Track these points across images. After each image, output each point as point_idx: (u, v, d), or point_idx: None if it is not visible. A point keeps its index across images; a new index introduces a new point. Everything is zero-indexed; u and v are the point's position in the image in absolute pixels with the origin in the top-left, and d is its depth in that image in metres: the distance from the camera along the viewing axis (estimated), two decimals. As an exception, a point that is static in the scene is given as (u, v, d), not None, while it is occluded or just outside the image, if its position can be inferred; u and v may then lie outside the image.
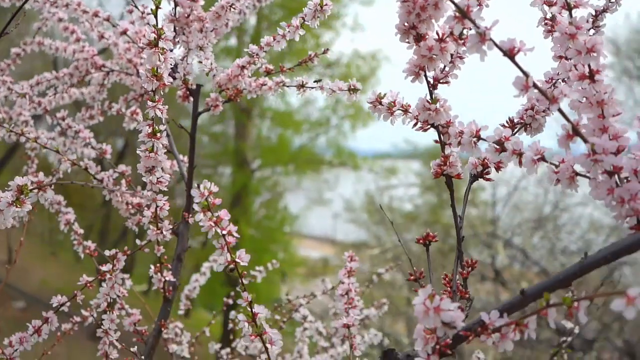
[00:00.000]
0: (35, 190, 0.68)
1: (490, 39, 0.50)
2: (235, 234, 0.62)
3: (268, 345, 0.64)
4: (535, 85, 0.50)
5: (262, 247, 10.01)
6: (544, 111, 0.67)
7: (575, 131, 0.51)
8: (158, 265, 0.95)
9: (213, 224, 0.62)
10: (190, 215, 0.96)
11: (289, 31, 0.89)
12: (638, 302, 0.39)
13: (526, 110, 0.68)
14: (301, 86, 0.93)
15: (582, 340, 5.91)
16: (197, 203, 0.61)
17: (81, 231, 1.08)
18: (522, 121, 0.68)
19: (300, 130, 11.89)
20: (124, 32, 1.03)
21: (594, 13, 0.73)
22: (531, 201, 7.75)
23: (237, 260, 0.63)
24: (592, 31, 0.72)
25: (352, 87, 0.83)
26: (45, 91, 1.21)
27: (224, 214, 0.62)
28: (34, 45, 1.27)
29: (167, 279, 0.96)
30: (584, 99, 0.54)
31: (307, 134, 11.95)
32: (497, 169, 0.67)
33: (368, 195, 10.47)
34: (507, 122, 0.68)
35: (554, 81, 0.69)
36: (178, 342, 1.31)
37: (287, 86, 0.95)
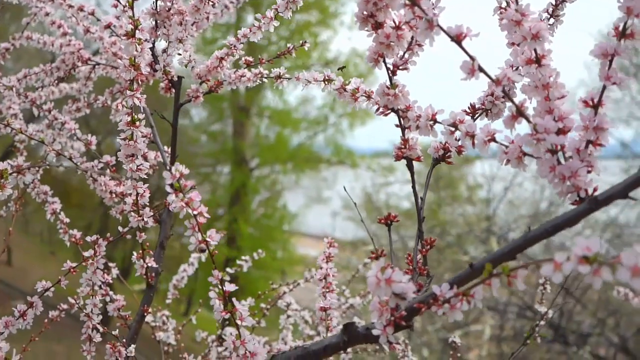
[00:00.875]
0: (15, 174, 0.71)
1: (438, 25, 0.53)
2: (206, 215, 0.65)
3: (238, 322, 0.67)
4: (480, 69, 0.53)
5: (260, 245, 10.03)
6: (503, 97, 0.70)
7: (519, 112, 0.54)
8: (140, 252, 0.98)
9: (184, 205, 0.64)
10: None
11: (263, 22, 0.92)
12: (565, 267, 0.42)
13: (486, 96, 0.71)
14: (278, 77, 0.97)
15: (577, 335, 5.95)
16: (169, 185, 0.64)
17: (67, 220, 1.11)
18: (482, 107, 0.71)
19: (298, 128, 11.92)
20: (108, 26, 1.06)
21: (554, 2, 0.76)
22: (528, 197, 7.79)
23: (207, 239, 0.66)
24: (551, 20, 0.75)
25: (326, 78, 0.86)
26: (35, 85, 1.24)
27: (195, 195, 0.65)
28: (22, 39, 1.30)
29: (149, 265, 0.99)
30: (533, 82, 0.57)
31: (305, 132, 11.98)
32: (459, 152, 0.69)
33: (365, 192, 10.50)
34: (468, 107, 0.71)
35: (514, 68, 0.72)
36: (164, 330, 1.35)
37: (266, 77, 0.98)
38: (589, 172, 0.54)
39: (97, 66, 1.22)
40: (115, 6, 1.10)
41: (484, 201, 8.15)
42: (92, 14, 1.12)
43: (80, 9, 1.11)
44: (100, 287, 0.97)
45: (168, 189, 0.64)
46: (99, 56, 1.26)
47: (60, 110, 1.27)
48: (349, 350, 1.29)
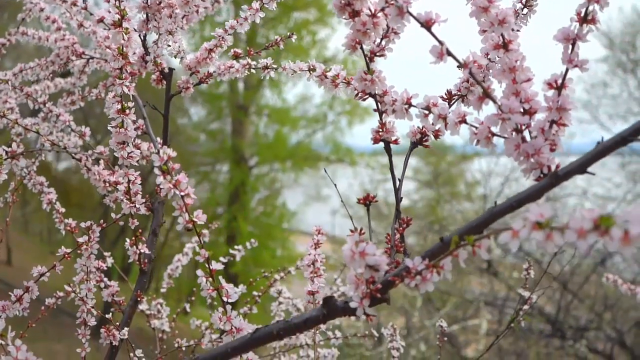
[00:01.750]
0: (9, 160, 0.74)
1: (408, 12, 0.56)
2: (193, 196, 0.68)
3: (224, 299, 0.70)
4: (448, 53, 0.56)
5: (260, 243, 10.03)
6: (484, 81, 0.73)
7: (485, 93, 0.57)
8: (133, 238, 1.01)
9: (172, 186, 0.67)
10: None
11: (250, 14, 0.95)
12: (521, 234, 0.45)
13: (462, 82, 0.74)
14: (265, 67, 0.99)
15: (574, 329, 5.99)
16: (156, 167, 0.67)
17: (63, 210, 1.14)
18: (458, 93, 0.74)
19: (297, 127, 11.95)
20: (101, 20, 1.09)
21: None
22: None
23: (194, 219, 0.69)
24: (525, 10, 0.78)
25: (311, 67, 0.89)
26: (31, 80, 1.27)
27: (182, 177, 0.68)
28: (17, 35, 1.33)
29: (142, 251, 1.02)
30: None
31: (304, 130, 12.01)
32: (436, 136, 0.72)
33: (364, 190, 10.53)
34: (445, 93, 0.74)
35: (488, 55, 0.75)
36: (159, 318, 1.38)
37: (254, 68, 1.01)
38: (552, 150, 0.57)
39: (91, 60, 1.24)
40: (108, 1, 1.13)
41: (482, 197, 8.18)
42: (85, 8, 1.15)
43: (74, 3, 1.14)
44: (94, 272, 1.00)
45: (156, 171, 0.67)
46: (92, 50, 1.29)
47: (56, 104, 1.30)
48: (338, 335, 1.33)
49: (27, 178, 1.19)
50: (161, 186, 0.68)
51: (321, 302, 0.63)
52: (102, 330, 1.01)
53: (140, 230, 1.03)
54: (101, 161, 1.08)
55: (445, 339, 1.19)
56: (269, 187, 12.09)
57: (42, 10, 1.24)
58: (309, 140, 12.03)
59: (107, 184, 1.07)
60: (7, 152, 0.73)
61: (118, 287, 1.06)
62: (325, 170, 1.03)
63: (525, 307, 1.09)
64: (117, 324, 1.00)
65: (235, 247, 1.51)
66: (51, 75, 1.24)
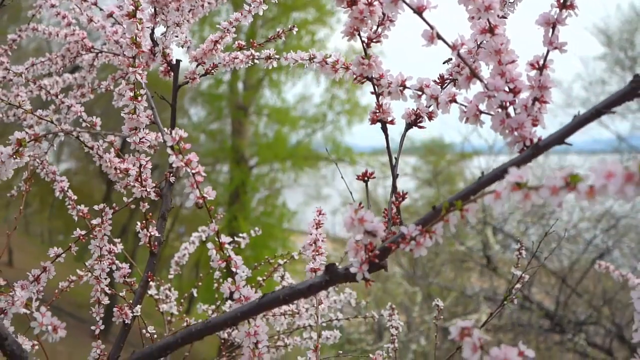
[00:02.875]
0: (32, 142, 0.79)
1: (403, 0, 0.61)
2: (203, 174, 0.73)
3: (233, 269, 0.75)
4: (439, 36, 0.61)
5: (260, 243, 10.09)
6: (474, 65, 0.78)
7: (473, 73, 0.62)
8: (144, 222, 1.06)
9: (184, 164, 0.73)
10: (172, 176, 1.06)
11: (253, 6, 1.00)
12: (503, 195, 0.50)
13: (454, 67, 0.79)
14: (268, 58, 1.04)
15: (572, 324, 6.04)
16: (169, 147, 0.72)
17: (75, 197, 1.19)
18: (450, 77, 0.79)
19: (296, 126, 12.00)
20: (110, 15, 1.14)
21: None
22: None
23: (205, 195, 0.74)
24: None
25: (312, 56, 0.94)
26: (42, 73, 1.32)
27: (193, 157, 0.73)
28: (28, 31, 1.38)
29: (152, 234, 1.07)
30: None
31: (303, 130, 12.06)
32: (430, 118, 0.77)
33: (364, 188, 10.54)
34: (438, 77, 0.79)
35: (479, 42, 0.80)
36: (167, 302, 1.43)
37: (257, 59, 1.06)
38: (534, 125, 0.62)
39: (99, 54, 1.30)
40: (116, -3, 1.18)
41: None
42: (95, 4, 1.20)
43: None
44: (107, 254, 1.05)
45: (169, 150, 0.72)
46: (101, 45, 1.34)
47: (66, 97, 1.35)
48: (340, 317, 1.38)
49: (39, 167, 1.24)
50: (174, 164, 0.73)
51: (324, 270, 0.68)
52: (114, 309, 1.06)
53: (150, 214, 1.08)
54: (112, 149, 1.13)
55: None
56: (269, 187, 12.13)
57: (52, 6, 1.29)
58: (309, 140, 12.08)
59: (118, 171, 1.12)
60: (29, 135, 0.78)
61: (129, 269, 1.11)
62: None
63: (518, 285, 1.14)
64: (130, 302, 1.05)
65: (240, 234, 1.56)
66: (61, 69, 1.29)
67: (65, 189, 1.21)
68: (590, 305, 6.05)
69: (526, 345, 0.51)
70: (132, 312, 1.02)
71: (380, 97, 0.74)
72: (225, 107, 11.66)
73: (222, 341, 1.46)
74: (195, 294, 1.55)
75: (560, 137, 0.58)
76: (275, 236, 10.90)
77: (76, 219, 1.17)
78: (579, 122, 0.57)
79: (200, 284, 1.59)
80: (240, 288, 0.74)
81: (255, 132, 11.98)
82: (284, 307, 1.37)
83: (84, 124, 1.26)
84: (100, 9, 1.20)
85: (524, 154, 0.59)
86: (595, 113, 0.56)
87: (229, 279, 0.75)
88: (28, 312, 0.72)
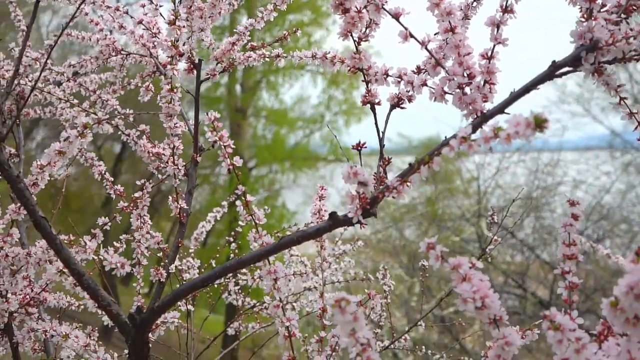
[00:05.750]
0: (96, 125, 0.99)
1: (383, 8, 0.81)
2: (232, 146, 0.94)
3: (257, 220, 0.95)
4: (411, 35, 0.82)
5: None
6: (443, 58, 0.98)
7: (437, 63, 0.83)
8: (175, 195, 1.27)
9: (218, 139, 0.93)
10: (199, 156, 1.27)
11: (265, 14, 1.21)
12: (454, 146, 0.70)
13: (425, 59, 0.99)
14: (277, 56, 1.25)
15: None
16: (206, 125, 0.92)
17: (111, 179, 1.39)
18: (424, 67, 0.99)
19: (294, 127, 12.20)
20: (140, 22, 1.35)
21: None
22: (521, 184, 8.13)
23: (234, 163, 0.95)
24: (474, 3, 1.04)
25: (314, 54, 1.15)
26: (80, 73, 1.53)
27: (225, 133, 0.94)
28: (63, 36, 1.58)
29: (182, 206, 1.28)
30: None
31: (301, 131, 12.26)
32: (409, 100, 0.98)
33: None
34: (415, 68, 1.00)
35: (444, 39, 1.00)
36: (189, 272, 1.63)
37: (267, 57, 1.27)
38: (485, 101, 0.82)
39: (128, 55, 1.50)
40: (143, 6, 1.39)
41: (477, 192, 8.47)
42: (127, 12, 1.40)
43: (117, 9, 1.39)
44: (144, 223, 1.26)
45: (206, 128, 0.93)
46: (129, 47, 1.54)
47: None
48: (341, 279, 1.58)
49: (79, 154, 1.44)
50: (210, 139, 0.93)
51: (328, 216, 0.89)
52: (151, 270, 1.26)
53: (178, 192, 1.28)
54: (144, 136, 1.34)
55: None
56: (269, 188, 12.30)
57: (87, 14, 1.49)
58: (307, 141, 12.27)
59: (150, 154, 1.32)
60: (93, 119, 0.98)
61: (161, 238, 1.32)
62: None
63: (491, 246, 1.34)
64: (163, 263, 1.25)
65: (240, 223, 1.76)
66: (95, 69, 1.50)
67: (103, 172, 1.41)
68: (583, 292, 6.27)
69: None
70: (169, 269, 1.22)
71: (369, 84, 0.94)
72: (224, 110, 11.86)
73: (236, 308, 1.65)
74: (214, 265, 1.75)
75: (500, 109, 0.78)
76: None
77: (113, 196, 1.37)
78: (514, 97, 0.78)
79: (218, 256, 1.78)
80: (263, 236, 0.95)
81: (254, 134, 12.18)
82: (293, 267, 1.58)
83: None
84: (131, 17, 1.40)
85: (474, 122, 0.79)
86: (525, 89, 0.77)
87: (253, 229, 0.95)
88: (97, 258, 0.92)
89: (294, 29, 1.29)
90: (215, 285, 1.74)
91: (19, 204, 1.08)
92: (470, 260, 0.73)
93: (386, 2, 0.84)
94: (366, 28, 0.91)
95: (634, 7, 0.79)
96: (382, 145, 0.95)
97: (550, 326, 0.63)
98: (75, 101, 1.32)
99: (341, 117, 12.18)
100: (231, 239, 1.81)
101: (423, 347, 1.91)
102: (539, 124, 0.59)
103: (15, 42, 1.71)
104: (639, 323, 0.58)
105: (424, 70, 0.98)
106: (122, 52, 1.52)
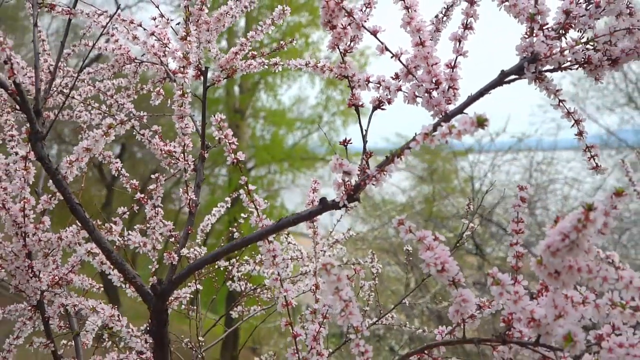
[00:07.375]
0: (119, 125, 1.15)
1: (363, 26, 0.97)
2: (236, 143, 1.10)
3: (258, 206, 1.12)
4: (386, 48, 0.98)
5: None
6: (415, 67, 1.14)
7: (408, 71, 0.99)
8: (185, 187, 1.43)
9: (223, 137, 1.09)
10: (206, 153, 1.43)
11: (265, 27, 1.37)
12: (420, 141, 0.87)
13: (400, 69, 1.15)
14: (275, 64, 1.41)
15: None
16: (213, 125, 1.08)
17: (127, 175, 1.55)
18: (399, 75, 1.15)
19: (293, 128, 12.36)
20: (152, 34, 1.51)
21: (446, 7, 1.21)
22: (517, 181, 8.31)
23: (238, 157, 1.11)
24: (444, 18, 1.20)
25: (307, 62, 1.31)
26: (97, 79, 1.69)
27: (229, 131, 1.10)
28: (81, 46, 1.74)
29: (191, 198, 1.44)
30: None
31: (299, 131, 12.42)
32: (389, 102, 1.14)
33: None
34: (394, 74, 1.16)
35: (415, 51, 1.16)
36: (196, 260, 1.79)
37: (267, 65, 1.43)
38: (448, 103, 0.99)
39: (141, 64, 1.66)
40: (154, 19, 1.55)
41: (472, 190, 8.64)
42: (140, 25, 1.57)
43: (132, 21, 1.55)
44: (157, 213, 1.42)
45: (213, 127, 1.09)
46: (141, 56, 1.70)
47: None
48: (338, 263, 1.74)
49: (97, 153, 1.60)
50: (216, 137, 1.09)
51: (318, 202, 1.05)
52: (164, 254, 1.42)
53: (188, 184, 1.44)
54: (157, 135, 1.50)
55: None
56: (267, 188, 12.45)
57: (103, 27, 1.65)
58: (305, 141, 12.42)
59: (163, 152, 1.48)
60: (115, 119, 1.14)
61: (173, 225, 1.48)
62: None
63: (467, 233, 1.50)
64: (175, 247, 1.41)
65: (242, 215, 1.93)
66: (112, 76, 1.66)
67: (120, 168, 1.57)
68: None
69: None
70: (181, 253, 1.38)
71: (354, 89, 1.10)
72: (222, 111, 12.00)
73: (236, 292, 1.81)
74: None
75: (459, 110, 0.94)
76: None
77: (130, 191, 1.53)
78: (471, 100, 0.94)
79: (222, 244, 1.94)
80: (262, 219, 1.11)
81: (252, 135, 12.33)
82: (290, 253, 1.74)
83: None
84: (144, 29, 1.56)
85: (439, 120, 0.96)
86: (479, 94, 0.93)
87: (255, 213, 1.11)
88: (121, 240, 1.08)
89: (290, 40, 1.45)
90: (221, 268, 1.89)
91: (49, 195, 1.24)
92: (433, 233, 0.89)
93: (367, 20, 1.00)
94: (350, 42, 1.08)
95: (571, 25, 0.95)
96: (365, 141, 1.11)
97: (493, 282, 0.79)
98: (96, 105, 1.48)
99: (339, 118, 12.34)
100: (234, 230, 1.98)
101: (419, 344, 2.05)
102: (481, 122, 0.76)
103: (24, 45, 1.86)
104: (559, 277, 0.74)
105: (400, 77, 1.14)
106: (136, 60, 1.68)
